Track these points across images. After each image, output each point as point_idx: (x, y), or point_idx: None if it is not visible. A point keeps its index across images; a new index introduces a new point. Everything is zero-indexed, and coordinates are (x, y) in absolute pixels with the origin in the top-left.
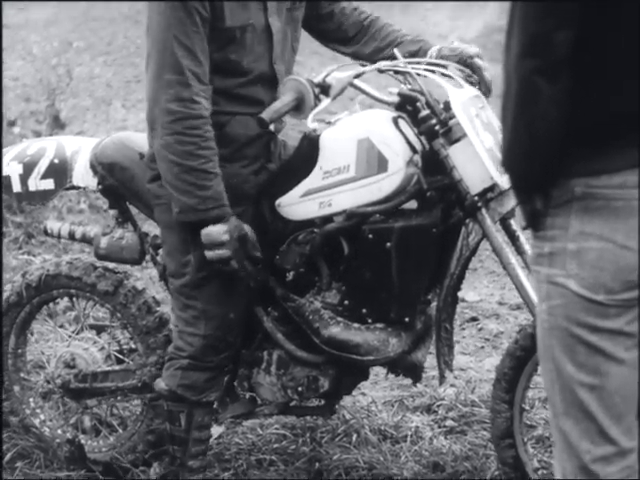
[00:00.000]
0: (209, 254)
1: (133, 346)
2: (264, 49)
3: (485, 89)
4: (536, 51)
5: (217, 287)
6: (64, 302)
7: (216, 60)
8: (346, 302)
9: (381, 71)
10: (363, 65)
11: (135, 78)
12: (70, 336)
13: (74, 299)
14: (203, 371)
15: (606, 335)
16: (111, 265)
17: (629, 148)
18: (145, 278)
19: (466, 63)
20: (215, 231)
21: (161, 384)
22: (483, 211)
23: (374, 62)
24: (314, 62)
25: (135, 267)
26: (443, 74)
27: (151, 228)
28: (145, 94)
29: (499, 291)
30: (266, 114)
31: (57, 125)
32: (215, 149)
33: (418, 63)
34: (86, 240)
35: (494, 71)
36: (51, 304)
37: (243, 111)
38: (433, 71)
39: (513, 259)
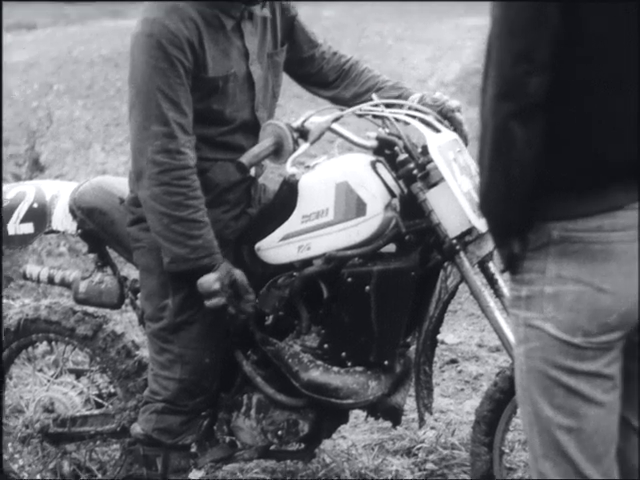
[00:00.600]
0: (207, 303)
1: (112, 390)
2: (246, 97)
3: (463, 143)
4: (511, 95)
5: (194, 331)
6: (43, 346)
7: (199, 109)
8: (325, 345)
9: (359, 115)
10: (341, 109)
11: (115, 121)
12: (49, 380)
13: (53, 343)
14: (178, 415)
15: (583, 377)
16: (90, 309)
17: (605, 191)
18: (124, 322)
19: (446, 116)
20: (206, 281)
21: (137, 428)
22: (461, 254)
23: (353, 106)
24: (294, 105)
25: (114, 311)
26: (421, 119)
27: (130, 272)
28: (130, 145)
29: (478, 333)
30: (245, 159)
31: (37, 168)
32: (202, 198)
33: (396, 107)
34: (65, 284)
35: (472, 114)
36: (30, 348)
37: (225, 157)
38: (412, 116)
39: (491, 302)
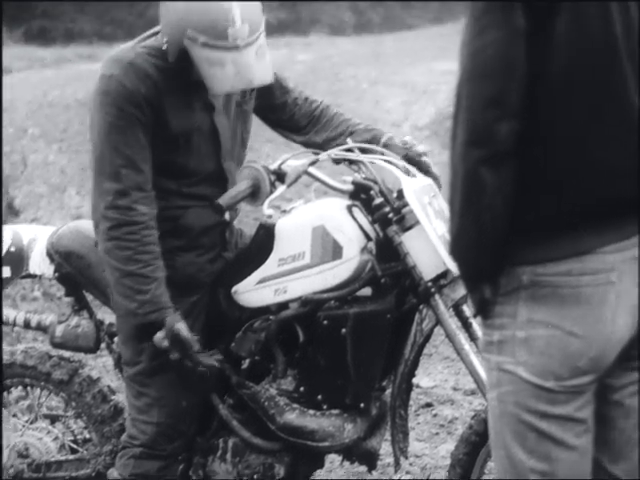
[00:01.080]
0: (173, 355)
1: (87, 436)
2: (212, 149)
3: (437, 186)
4: (481, 141)
5: (171, 375)
6: (17, 391)
7: (161, 162)
8: (302, 389)
9: (336, 161)
10: (317, 153)
11: (89, 165)
12: (24, 425)
13: (28, 388)
14: (156, 460)
15: (555, 421)
16: (66, 354)
17: (574, 236)
18: (99, 367)
19: (414, 160)
20: (157, 338)
21: (114, 474)
22: (436, 297)
23: (325, 150)
24: (269, 149)
25: (89, 355)
26: (395, 163)
27: (105, 315)
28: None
29: (453, 377)
30: (223, 200)
31: (11, 212)
32: (155, 252)
33: (371, 152)
34: (41, 328)
35: (445, 157)
36: (5, 393)
37: (195, 204)
38: (387, 160)
39: (466, 345)
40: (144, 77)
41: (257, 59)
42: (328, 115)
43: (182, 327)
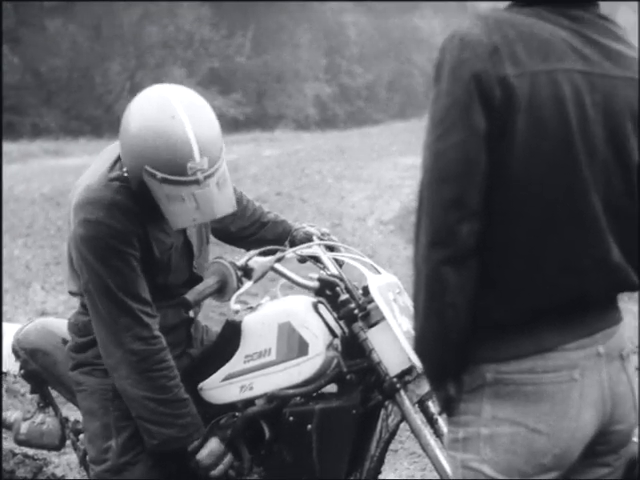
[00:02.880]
0: (218, 470)
1: None
2: (185, 261)
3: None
4: (443, 242)
5: (138, 472)
6: None
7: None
8: None
9: (302, 260)
10: (283, 250)
11: (55, 260)
12: None
13: None
14: None
15: None
16: (31, 451)
17: (536, 333)
18: (63, 464)
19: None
20: (214, 446)
21: None
22: (402, 393)
23: (241, 239)
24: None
25: (53, 453)
26: (360, 260)
27: (71, 412)
28: (98, 340)
29: (420, 472)
30: (190, 295)
31: None
32: (178, 375)
33: (337, 250)
34: (6, 426)
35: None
36: None
37: (162, 305)
38: (353, 257)
39: (432, 440)
40: (129, 213)
41: (218, 190)
42: (242, 204)
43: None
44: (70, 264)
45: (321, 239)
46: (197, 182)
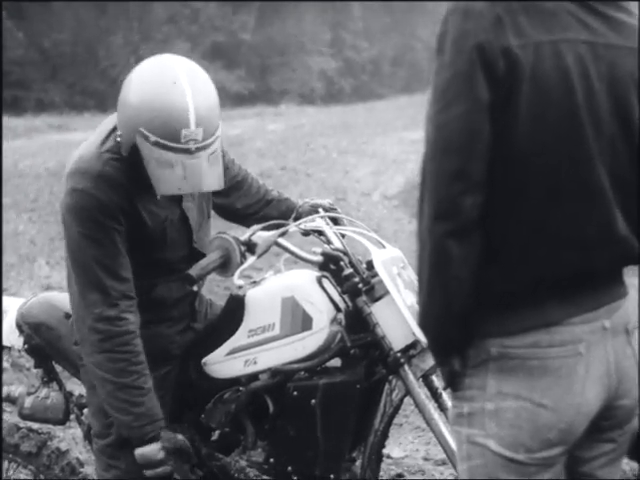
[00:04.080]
0: (149, 473)
1: None
2: (184, 235)
3: None
4: (447, 215)
5: None
6: None
7: (140, 262)
8: (271, 460)
9: (305, 233)
10: (287, 224)
11: (59, 235)
12: None
13: None
14: None
15: None
16: (35, 425)
17: (541, 307)
18: (68, 438)
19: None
20: (149, 450)
21: None
22: (406, 367)
23: (245, 217)
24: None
25: (58, 427)
26: (364, 234)
27: (75, 387)
28: (72, 311)
29: (424, 447)
30: (193, 271)
31: None
32: (145, 363)
33: (341, 223)
34: (10, 400)
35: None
36: None
37: (165, 279)
38: (357, 231)
39: (436, 415)
40: (116, 186)
41: (209, 165)
42: (247, 182)
43: (182, 437)
44: None
45: (326, 210)
46: (189, 151)
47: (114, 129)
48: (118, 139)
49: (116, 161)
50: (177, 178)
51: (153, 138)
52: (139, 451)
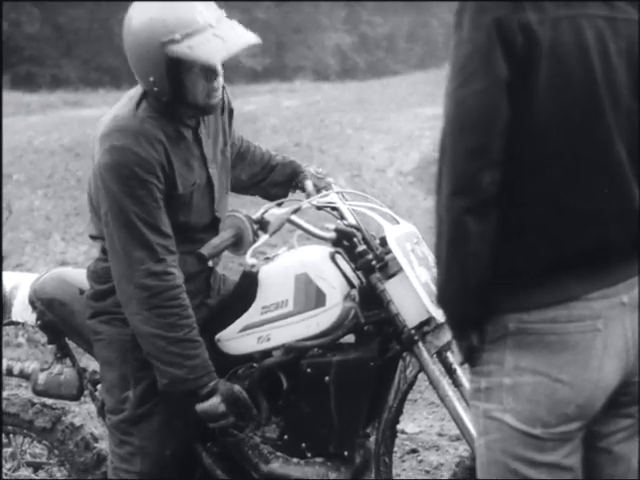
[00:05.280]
0: (213, 426)
1: None
2: (207, 202)
3: None
4: (465, 191)
5: (155, 423)
6: None
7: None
8: (285, 437)
9: (319, 208)
10: (299, 200)
11: (75, 211)
12: (6, 474)
13: (11, 435)
14: None
15: (543, 469)
16: (49, 401)
17: (559, 282)
18: (83, 413)
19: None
20: (210, 405)
21: None
22: (420, 344)
23: (253, 186)
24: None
25: (73, 402)
26: (378, 210)
27: (89, 363)
28: (112, 272)
29: (439, 422)
30: (205, 250)
31: None
32: (194, 316)
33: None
34: (24, 376)
35: (430, 203)
36: None
37: (182, 250)
38: (371, 207)
39: (450, 392)
40: (155, 142)
41: (236, 27)
42: (249, 151)
43: (237, 387)
44: (91, 207)
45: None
46: (211, 26)
47: (144, 94)
48: (155, 89)
49: (154, 119)
50: (218, 48)
51: (177, 35)
52: (200, 407)
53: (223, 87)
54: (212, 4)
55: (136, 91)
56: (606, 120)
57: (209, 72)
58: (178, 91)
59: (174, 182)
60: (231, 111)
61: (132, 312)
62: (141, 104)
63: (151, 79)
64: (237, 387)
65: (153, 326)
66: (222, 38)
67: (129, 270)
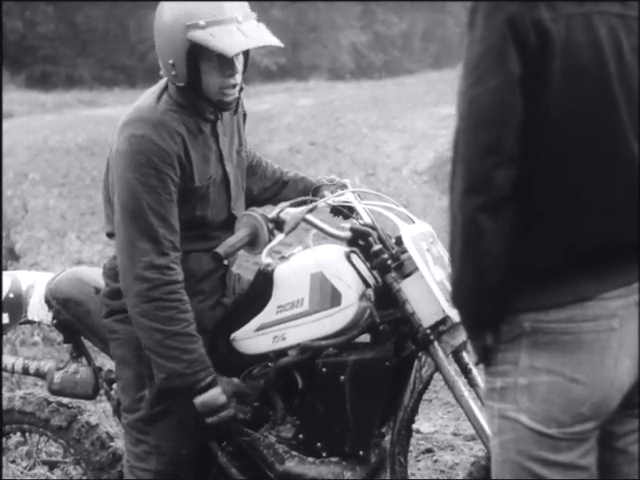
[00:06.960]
0: (211, 420)
1: None
2: (224, 198)
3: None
4: (479, 189)
5: (171, 422)
6: (16, 437)
7: (183, 219)
8: (301, 436)
9: (334, 207)
10: (315, 200)
11: (90, 210)
12: (22, 472)
13: (27, 434)
14: None
15: (558, 469)
16: (65, 400)
17: (575, 282)
18: (99, 412)
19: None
20: (210, 396)
21: None
22: (435, 344)
23: (264, 201)
24: None
25: (89, 401)
26: (393, 209)
27: (105, 362)
28: (118, 261)
29: (454, 422)
30: (221, 249)
31: (12, 257)
32: (192, 312)
33: (369, 198)
34: (40, 375)
35: (445, 202)
36: (3, 439)
37: (198, 248)
38: (386, 206)
39: (465, 392)
40: (175, 135)
41: (261, 28)
42: (262, 165)
43: (236, 380)
44: (107, 203)
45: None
46: (237, 20)
47: (166, 88)
48: (173, 72)
49: (174, 112)
50: (238, 40)
51: (202, 22)
52: (199, 399)
53: (241, 88)
54: (246, 4)
55: (157, 87)
56: (620, 116)
57: (226, 66)
58: (193, 78)
59: (192, 175)
60: (244, 115)
61: (132, 304)
62: (162, 97)
63: (170, 61)
64: (236, 379)
65: (151, 319)
66: (244, 33)
67: (131, 260)
